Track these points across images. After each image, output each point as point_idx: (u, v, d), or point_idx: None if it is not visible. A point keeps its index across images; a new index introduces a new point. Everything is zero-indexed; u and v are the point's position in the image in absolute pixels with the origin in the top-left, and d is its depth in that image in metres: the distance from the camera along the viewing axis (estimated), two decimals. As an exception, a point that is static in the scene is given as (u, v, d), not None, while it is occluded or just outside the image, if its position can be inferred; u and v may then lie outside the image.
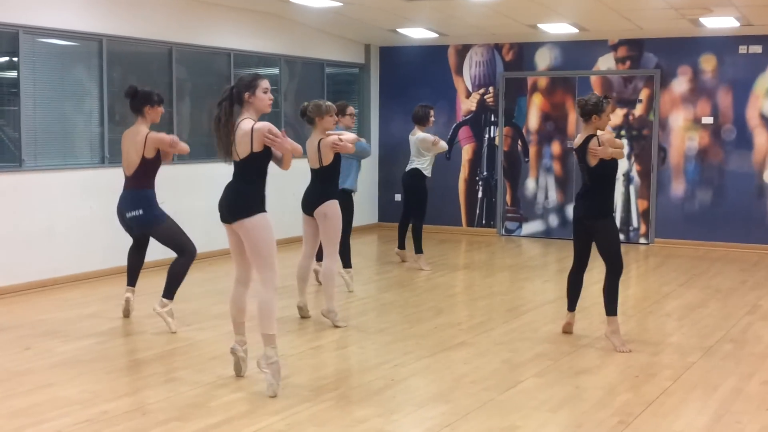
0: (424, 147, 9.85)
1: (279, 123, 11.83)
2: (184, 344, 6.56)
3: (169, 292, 6.93)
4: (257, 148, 5.31)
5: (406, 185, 10.05)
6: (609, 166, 6.57)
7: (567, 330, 6.98)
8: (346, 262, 8.79)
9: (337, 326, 7.07)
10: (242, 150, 5.33)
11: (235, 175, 5.48)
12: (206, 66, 10.95)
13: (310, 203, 7.17)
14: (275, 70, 11.92)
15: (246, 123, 5.34)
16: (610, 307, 6.62)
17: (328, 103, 7.26)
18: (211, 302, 8.06)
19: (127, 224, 7.09)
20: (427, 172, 9.93)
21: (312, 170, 7.27)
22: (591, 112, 6.55)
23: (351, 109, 8.75)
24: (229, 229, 5.47)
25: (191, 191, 10.31)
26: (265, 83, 5.41)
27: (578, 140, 6.68)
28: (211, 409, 5.07)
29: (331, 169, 7.19)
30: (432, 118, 9.96)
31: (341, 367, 6.09)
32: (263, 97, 5.38)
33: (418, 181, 9.91)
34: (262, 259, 5.31)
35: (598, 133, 6.59)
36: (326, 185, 7.19)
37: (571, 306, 7.00)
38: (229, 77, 10.99)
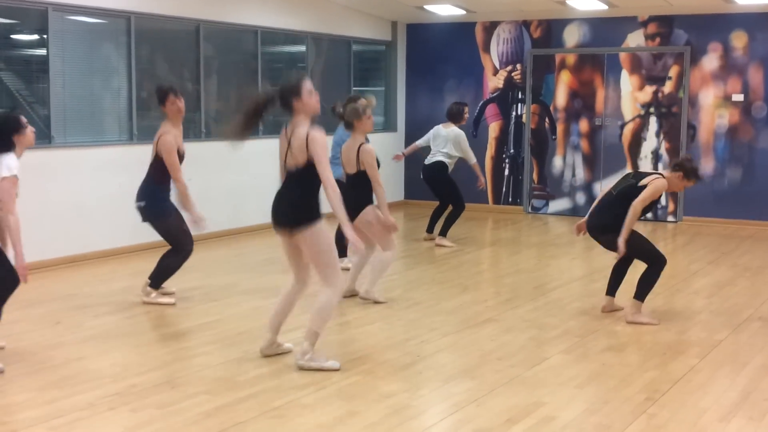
0: (458, 142, 9.92)
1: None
2: (212, 319, 6.61)
3: (156, 282, 6.98)
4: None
5: (433, 179, 10.08)
6: (652, 202, 6.61)
7: (605, 310, 6.91)
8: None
9: (378, 302, 7.10)
10: (300, 158, 5.16)
11: (288, 183, 5.29)
12: (233, 43, 10.96)
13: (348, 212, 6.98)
14: (302, 48, 11.91)
15: (301, 130, 5.16)
16: (640, 292, 6.59)
17: (364, 102, 6.95)
18: (238, 278, 8.11)
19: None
20: (451, 166, 10.08)
21: (347, 175, 7.03)
22: (681, 168, 6.61)
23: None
24: (285, 238, 5.34)
25: (219, 169, 10.35)
26: (308, 83, 5.22)
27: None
28: (239, 383, 5.11)
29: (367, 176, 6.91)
30: (466, 115, 10.10)
31: (368, 343, 6.12)
32: (310, 99, 5.19)
33: (443, 174, 9.99)
34: (327, 266, 5.27)
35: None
36: (360, 191, 6.91)
37: (609, 290, 6.93)
38: (255, 55, 11.01)
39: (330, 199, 5.09)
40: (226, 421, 4.55)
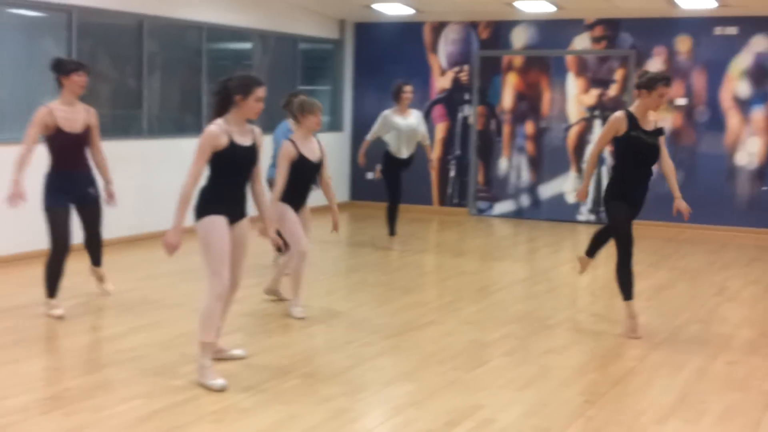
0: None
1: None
2: (150, 322, 6.50)
3: (47, 291, 6.53)
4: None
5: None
6: (622, 143, 6.21)
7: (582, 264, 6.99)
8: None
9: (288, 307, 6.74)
10: None
11: None
12: (178, 40, 10.82)
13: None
14: (248, 45, 11.81)
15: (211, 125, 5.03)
16: (621, 292, 6.33)
17: (313, 101, 6.75)
18: (177, 280, 7.98)
19: None
20: (394, 152, 9.56)
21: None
22: (640, 86, 6.11)
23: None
24: None
25: (160, 167, 10.19)
26: (260, 92, 5.07)
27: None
28: (177, 388, 5.02)
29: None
30: (404, 95, 9.45)
31: (308, 346, 6.06)
32: (253, 105, 5.06)
33: (383, 163, 9.65)
34: (207, 267, 5.05)
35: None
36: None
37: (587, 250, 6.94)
38: (200, 51, 10.88)
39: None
40: (162, 425, 4.46)
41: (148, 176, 9.97)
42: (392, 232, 9.75)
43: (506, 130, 12.80)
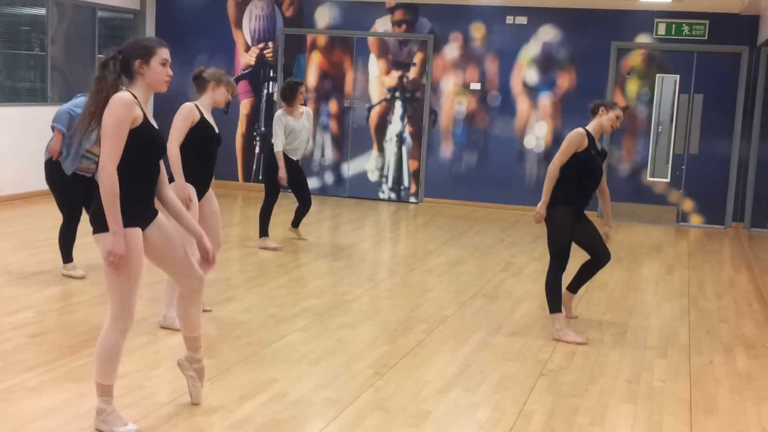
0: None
1: (45, 69, 11.26)
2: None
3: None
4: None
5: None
6: (581, 160, 6.10)
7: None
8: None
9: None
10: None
11: None
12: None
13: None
14: (41, 11, 11.30)
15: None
16: (549, 303, 6.18)
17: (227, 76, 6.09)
18: (4, 246, 7.63)
19: None
20: (289, 153, 8.96)
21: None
22: (600, 105, 6.22)
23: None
24: None
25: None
26: (164, 52, 4.05)
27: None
28: (-41, 368, 4.85)
29: (183, 153, 5.85)
30: (300, 95, 8.75)
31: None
32: (160, 70, 4.03)
33: (267, 162, 9.10)
34: (111, 290, 4.09)
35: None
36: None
37: (570, 286, 6.59)
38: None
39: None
40: (-59, 407, 4.31)
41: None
42: (265, 232, 8.96)
43: (310, 108, 12.93)
